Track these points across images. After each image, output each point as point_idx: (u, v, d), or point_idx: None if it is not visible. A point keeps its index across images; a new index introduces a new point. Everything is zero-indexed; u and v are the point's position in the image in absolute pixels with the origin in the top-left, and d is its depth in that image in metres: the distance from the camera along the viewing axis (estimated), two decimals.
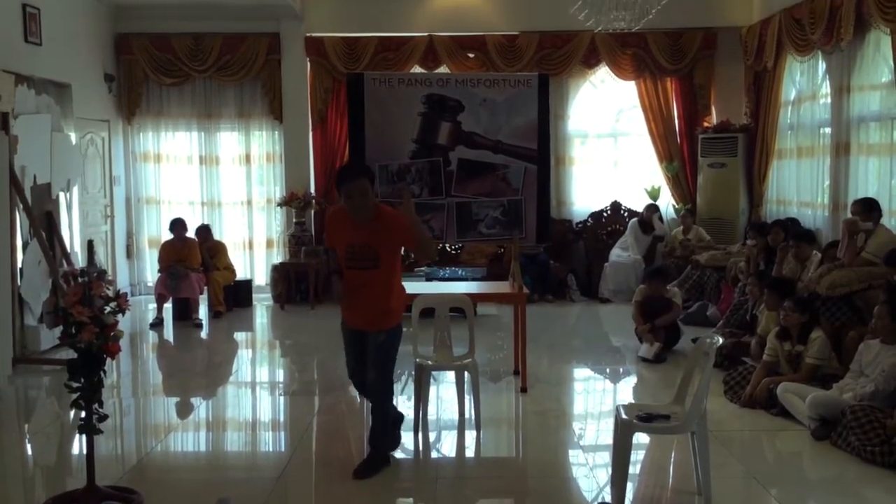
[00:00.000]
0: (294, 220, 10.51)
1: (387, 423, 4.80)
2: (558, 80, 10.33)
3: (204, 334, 8.91)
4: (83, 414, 4.08)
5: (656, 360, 7.10)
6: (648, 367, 7.05)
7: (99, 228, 9.92)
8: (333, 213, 4.85)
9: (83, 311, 3.91)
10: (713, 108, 10.67)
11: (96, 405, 4.06)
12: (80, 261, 8.35)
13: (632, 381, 6.96)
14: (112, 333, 4.03)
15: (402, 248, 4.80)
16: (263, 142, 10.92)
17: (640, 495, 4.47)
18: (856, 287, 6.22)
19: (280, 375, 7.55)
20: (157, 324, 9.05)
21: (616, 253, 10.25)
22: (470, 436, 5.45)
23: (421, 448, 5.29)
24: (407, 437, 5.38)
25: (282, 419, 6.22)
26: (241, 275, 10.35)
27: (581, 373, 7.41)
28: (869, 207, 6.54)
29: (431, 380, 5.94)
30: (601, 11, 7.57)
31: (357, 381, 4.87)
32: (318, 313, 9.59)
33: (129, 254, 10.83)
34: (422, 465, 5.10)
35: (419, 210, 6.46)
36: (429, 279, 9.18)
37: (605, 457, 4.89)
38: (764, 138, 9.74)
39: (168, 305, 9.28)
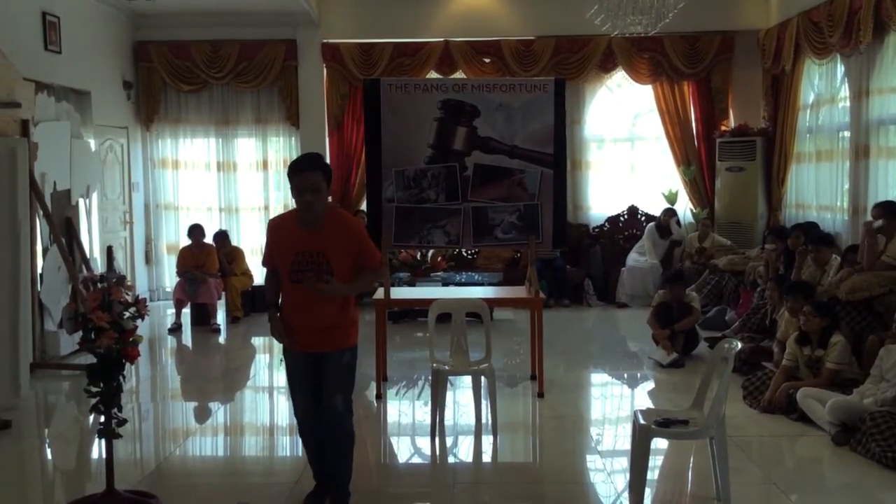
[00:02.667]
0: None
1: (351, 451, 4.21)
2: (574, 85, 10.31)
3: (222, 339, 8.96)
4: (102, 418, 4.11)
5: (676, 362, 7.06)
6: (666, 371, 7.01)
7: (118, 234, 9.99)
8: (275, 222, 4.20)
9: (103, 316, 3.94)
10: (731, 112, 10.63)
11: (115, 409, 4.10)
12: (99, 266, 8.42)
13: (649, 385, 6.93)
14: (131, 338, 4.06)
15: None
16: (280, 148, 10.97)
17: (658, 501, 4.46)
18: (876, 291, 6.17)
19: None
20: (176, 329, 9.11)
21: (633, 258, 10.21)
22: (487, 441, 5.44)
23: (438, 453, 5.29)
24: (424, 443, 5.39)
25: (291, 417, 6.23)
26: (258, 280, 10.37)
27: (598, 378, 7.38)
28: (890, 211, 6.49)
29: (448, 385, 5.94)
30: (618, 16, 7.55)
31: (308, 424, 4.16)
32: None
33: (147, 259, 10.90)
34: (439, 470, 5.10)
35: (436, 215, 6.50)
36: (445, 284, 9.19)
37: (623, 462, 4.87)
38: (782, 142, 9.67)
39: (186, 310, 9.33)
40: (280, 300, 4.18)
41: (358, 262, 4.05)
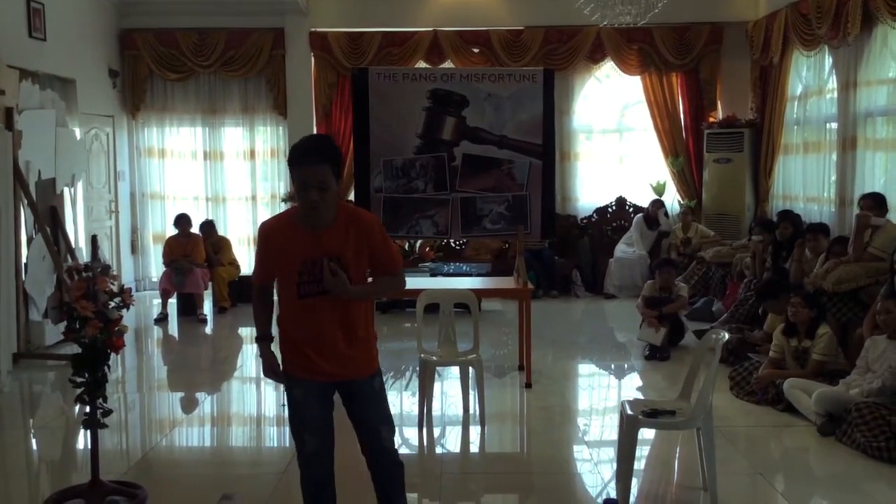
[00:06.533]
0: None
1: (404, 481, 3.56)
2: (563, 76, 10.29)
3: (208, 329, 8.92)
4: (88, 408, 4.08)
5: (662, 356, 7.07)
6: (654, 363, 7.03)
7: (104, 224, 9.92)
8: (271, 226, 3.38)
9: (87, 305, 3.91)
10: (719, 104, 10.64)
11: (100, 400, 4.07)
12: (84, 256, 8.36)
13: (636, 376, 6.94)
14: (116, 328, 4.03)
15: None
16: (268, 137, 10.90)
17: (645, 491, 4.46)
18: (862, 282, 6.20)
19: None
20: (162, 319, 9.06)
21: (621, 249, 10.23)
22: (474, 431, 5.45)
23: (425, 443, 5.29)
24: (411, 433, 5.38)
25: (286, 414, 6.20)
26: (245, 270, 10.31)
27: (586, 368, 7.39)
28: (879, 202, 6.52)
29: (436, 375, 5.93)
30: (607, 6, 7.55)
31: (320, 469, 3.43)
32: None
33: (133, 249, 10.84)
34: (426, 460, 5.09)
35: (424, 205, 6.48)
36: (433, 275, 9.17)
37: (610, 452, 4.89)
38: (770, 133, 9.70)
39: (173, 301, 9.29)
40: (278, 325, 3.43)
41: (375, 268, 3.36)
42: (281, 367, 3.41)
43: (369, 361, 3.39)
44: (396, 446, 3.53)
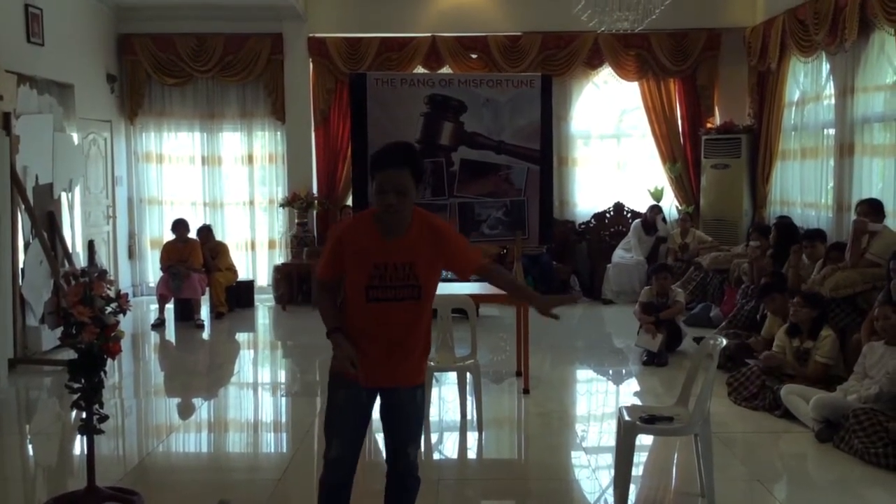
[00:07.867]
0: (296, 220, 10.50)
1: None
2: (561, 81, 10.30)
3: (206, 335, 8.90)
4: (84, 414, 4.07)
5: (659, 362, 7.06)
6: (651, 368, 7.02)
7: (101, 229, 9.91)
8: (347, 226, 3.39)
9: (84, 311, 3.90)
10: (717, 109, 10.66)
11: (97, 406, 4.05)
12: (81, 261, 8.35)
13: (634, 382, 6.94)
14: (113, 334, 4.02)
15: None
16: (266, 142, 10.91)
17: (642, 498, 4.45)
18: (860, 288, 6.20)
19: (282, 376, 7.54)
20: (159, 324, 9.04)
21: (619, 254, 10.23)
22: (472, 437, 5.44)
23: (423, 450, 5.27)
24: None
25: (283, 420, 6.20)
26: (243, 275, 10.34)
27: (583, 374, 7.39)
28: (876, 208, 6.53)
29: (433, 381, 5.93)
30: (604, 12, 7.57)
31: (341, 475, 3.34)
32: (319, 314, 9.55)
33: (131, 254, 10.82)
34: (424, 466, 5.03)
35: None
36: None
37: (608, 459, 4.87)
38: (767, 139, 9.71)
39: (170, 306, 9.27)
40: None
41: (461, 268, 3.39)
42: (334, 362, 3.25)
43: (419, 372, 3.35)
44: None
